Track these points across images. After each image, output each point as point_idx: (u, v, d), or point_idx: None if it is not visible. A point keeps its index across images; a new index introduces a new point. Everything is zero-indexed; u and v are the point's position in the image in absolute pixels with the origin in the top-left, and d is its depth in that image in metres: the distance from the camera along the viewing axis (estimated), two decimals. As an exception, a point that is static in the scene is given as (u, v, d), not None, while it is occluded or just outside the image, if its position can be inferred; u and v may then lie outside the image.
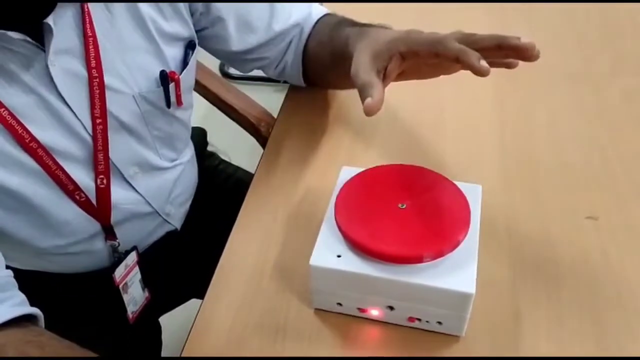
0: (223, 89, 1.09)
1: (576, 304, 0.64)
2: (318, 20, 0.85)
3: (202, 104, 1.10)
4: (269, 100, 1.08)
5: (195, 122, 0.93)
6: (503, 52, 0.57)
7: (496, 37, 0.57)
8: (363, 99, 0.58)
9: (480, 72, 0.55)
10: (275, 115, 0.93)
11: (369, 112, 0.57)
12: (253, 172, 0.83)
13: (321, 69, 0.85)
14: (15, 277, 0.73)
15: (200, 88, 1.08)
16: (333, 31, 0.79)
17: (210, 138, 1.10)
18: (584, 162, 0.80)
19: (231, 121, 1.09)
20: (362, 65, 0.61)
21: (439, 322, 0.60)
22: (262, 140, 1.00)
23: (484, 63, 0.55)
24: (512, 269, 0.68)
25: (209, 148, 1.09)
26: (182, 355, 0.63)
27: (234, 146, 1.21)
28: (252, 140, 1.06)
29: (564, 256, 0.69)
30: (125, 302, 0.82)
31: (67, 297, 0.83)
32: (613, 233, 0.71)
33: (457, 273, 0.57)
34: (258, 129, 1.03)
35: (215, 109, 1.12)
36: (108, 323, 0.85)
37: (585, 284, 0.66)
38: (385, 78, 0.61)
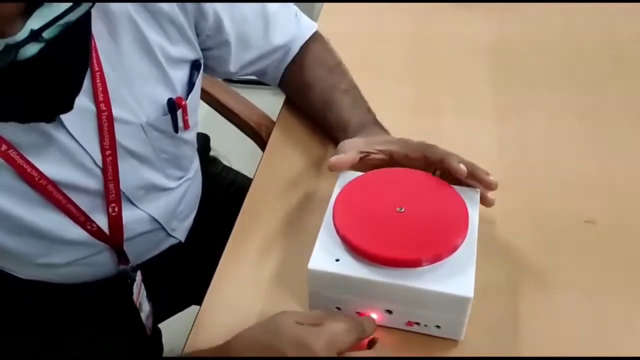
0: (223, 93, 1.09)
1: (575, 307, 0.64)
2: (309, 41, 0.88)
3: (202, 107, 1.10)
4: (268, 103, 1.08)
5: (196, 127, 0.93)
6: (473, 178, 0.66)
7: (471, 165, 0.66)
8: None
9: (458, 173, 0.64)
10: (274, 118, 0.94)
11: (331, 166, 0.68)
12: (253, 176, 0.83)
13: (299, 100, 0.89)
14: (17, 285, 0.74)
15: (201, 92, 1.08)
16: (333, 92, 0.83)
17: (210, 142, 1.10)
18: (583, 166, 0.80)
19: (231, 124, 1.09)
20: (351, 142, 0.71)
21: (438, 326, 0.60)
22: (263, 144, 1.00)
23: (462, 166, 0.64)
24: (511, 272, 0.67)
25: (210, 152, 1.09)
26: (181, 359, 0.63)
27: (235, 149, 1.21)
28: (252, 143, 1.06)
29: (563, 260, 0.69)
30: (144, 320, 0.82)
31: (70, 306, 0.83)
32: (612, 237, 0.71)
33: (455, 277, 0.57)
34: (259, 133, 1.03)
35: (215, 111, 1.12)
36: (121, 335, 0.86)
37: (584, 287, 0.66)
38: (362, 160, 0.69)
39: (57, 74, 0.59)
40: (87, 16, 0.58)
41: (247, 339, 0.57)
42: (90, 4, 0.57)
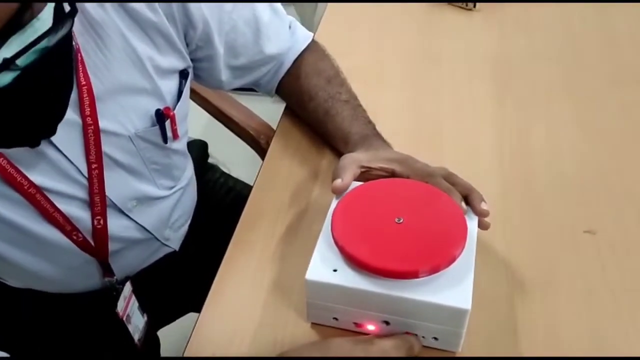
0: (222, 101, 1.09)
1: (574, 319, 0.64)
2: (304, 52, 0.87)
3: (202, 115, 1.10)
4: (268, 111, 1.08)
5: (195, 133, 0.93)
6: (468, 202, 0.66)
7: (468, 188, 0.66)
8: (334, 177, 0.67)
9: None
10: (274, 126, 0.94)
11: (335, 191, 0.67)
12: (252, 184, 0.83)
13: (298, 109, 0.89)
14: (4, 292, 0.73)
15: (200, 100, 1.08)
16: (333, 102, 0.82)
17: (210, 149, 1.10)
18: (582, 176, 0.80)
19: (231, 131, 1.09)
20: (352, 157, 0.70)
21: (435, 338, 0.60)
22: (262, 152, 1.00)
23: (463, 205, 0.64)
24: (510, 284, 0.67)
25: (210, 160, 1.09)
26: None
27: (234, 156, 1.21)
28: (252, 150, 1.06)
29: (562, 271, 0.69)
30: (132, 332, 0.81)
31: (62, 318, 0.83)
32: (611, 247, 0.71)
33: (453, 288, 0.57)
34: (257, 141, 1.03)
35: (215, 119, 1.12)
36: (112, 349, 0.85)
37: (584, 299, 0.66)
38: (363, 174, 0.70)
39: (37, 102, 0.58)
40: (66, 39, 0.57)
41: (293, 354, 0.57)
42: (69, 26, 0.56)
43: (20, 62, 0.52)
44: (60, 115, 0.62)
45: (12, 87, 0.53)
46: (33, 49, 0.52)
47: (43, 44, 0.53)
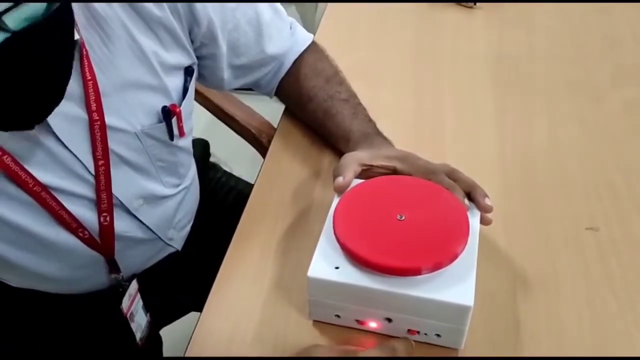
0: (224, 100, 1.09)
1: (576, 316, 0.64)
2: (304, 53, 0.87)
3: (203, 114, 1.10)
4: (269, 109, 1.08)
5: (197, 132, 0.92)
6: (471, 198, 0.66)
7: (471, 185, 0.66)
8: (335, 176, 0.67)
9: None
10: (276, 125, 0.94)
11: (336, 190, 0.67)
12: (254, 182, 0.83)
13: (298, 110, 0.89)
14: (6, 293, 0.73)
15: (202, 98, 1.08)
16: (332, 101, 0.82)
17: (211, 147, 1.10)
18: (584, 173, 0.80)
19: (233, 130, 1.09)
20: (354, 156, 0.70)
21: (438, 335, 0.60)
22: (264, 151, 1.00)
23: (466, 201, 0.65)
24: (512, 281, 0.67)
25: (211, 159, 1.09)
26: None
27: (236, 155, 1.21)
28: (253, 149, 1.06)
29: (564, 268, 0.69)
30: (134, 331, 0.81)
31: (64, 318, 0.83)
32: (613, 244, 0.71)
33: (455, 285, 0.57)
34: (259, 139, 1.03)
35: (216, 118, 1.12)
36: (113, 347, 0.85)
37: (586, 295, 0.66)
38: (364, 172, 0.70)
39: (28, 72, 0.56)
40: (63, 15, 0.56)
41: None
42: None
43: (10, 23, 0.51)
44: (55, 98, 0.61)
45: (1, 49, 0.52)
46: (25, 16, 0.52)
47: (35, 11, 0.52)
